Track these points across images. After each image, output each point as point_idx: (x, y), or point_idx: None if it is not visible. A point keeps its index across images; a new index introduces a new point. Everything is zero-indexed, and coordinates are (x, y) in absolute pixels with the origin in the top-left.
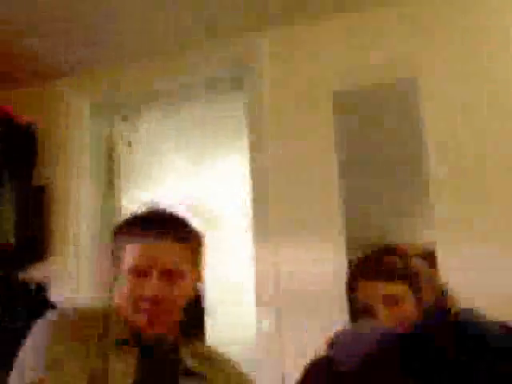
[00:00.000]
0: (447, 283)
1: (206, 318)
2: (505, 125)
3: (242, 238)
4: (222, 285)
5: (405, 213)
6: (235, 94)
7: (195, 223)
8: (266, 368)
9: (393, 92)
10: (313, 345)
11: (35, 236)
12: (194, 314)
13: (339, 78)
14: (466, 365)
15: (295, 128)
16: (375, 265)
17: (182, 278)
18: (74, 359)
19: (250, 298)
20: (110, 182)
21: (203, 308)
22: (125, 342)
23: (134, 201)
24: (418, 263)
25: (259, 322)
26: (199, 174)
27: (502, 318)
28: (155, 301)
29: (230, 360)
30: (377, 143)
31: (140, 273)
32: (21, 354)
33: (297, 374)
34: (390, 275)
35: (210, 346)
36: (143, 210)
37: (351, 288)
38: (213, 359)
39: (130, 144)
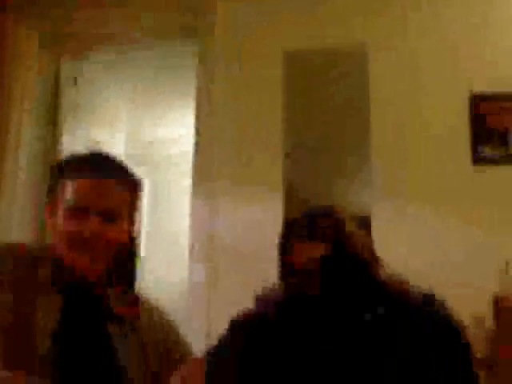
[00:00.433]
0: (378, 250)
1: (138, 266)
2: (448, 96)
3: (183, 187)
4: (158, 234)
5: (345, 177)
6: (186, 42)
7: (135, 169)
8: (194, 319)
9: (342, 55)
10: (243, 299)
11: None
12: (125, 261)
13: (290, 38)
14: (385, 328)
15: (244, 82)
16: (309, 226)
17: (119, 220)
18: None
19: (185, 248)
20: (53, 120)
21: (135, 256)
22: (53, 284)
23: (76, 141)
24: (352, 227)
25: (191, 273)
26: (143, 120)
27: (436, 286)
28: (93, 240)
29: (158, 308)
30: (324, 106)
31: (77, 211)
32: None
33: (224, 327)
34: (324, 237)
35: (139, 294)
36: (84, 151)
37: (284, 248)
38: (143, 307)
39: (75, 81)
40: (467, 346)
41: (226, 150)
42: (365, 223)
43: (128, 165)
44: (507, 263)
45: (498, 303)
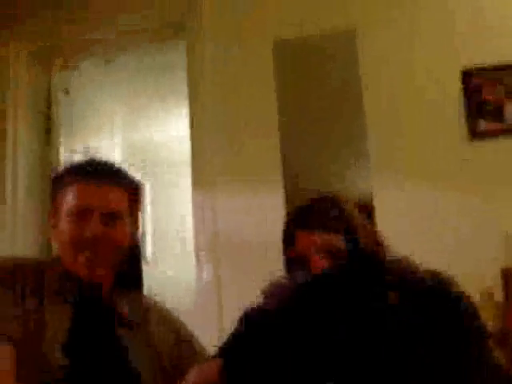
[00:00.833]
0: (382, 233)
1: (143, 268)
2: (441, 75)
3: (183, 187)
4: (163, 236)
5: (343, 164)
6: (176, 41)
7: (134, 174)
8: (204, 318)
9: (332, 41)
10: (251, 294)
11: None
12: (131, 264)
13: (280, 27)
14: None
15: (236, 76)
16: (311, 214)
17: (120, 223)
18: (7, 307)
19: (190, 248)
20: (47, 131)
21: (140, 258)
22: (61, 293)
23: (72, 150)
24: (354, 213)
25: (198, 272)
26: (138, 123)
27: (437, 268)
28: (95, 242)
29: (167, 310)
30: (317, 93)
31: (80, 214)
32: None
33: (234, 324)
34: (326, 225)
35: (147, 297)
36: (82, 159)
37: (287, 238)
38: (150, 309)
39: (67, 91)
40: (480, 322)
41: (220, 142)
42: (366, 208)
43: (126, 169)
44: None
45: (506, 276)
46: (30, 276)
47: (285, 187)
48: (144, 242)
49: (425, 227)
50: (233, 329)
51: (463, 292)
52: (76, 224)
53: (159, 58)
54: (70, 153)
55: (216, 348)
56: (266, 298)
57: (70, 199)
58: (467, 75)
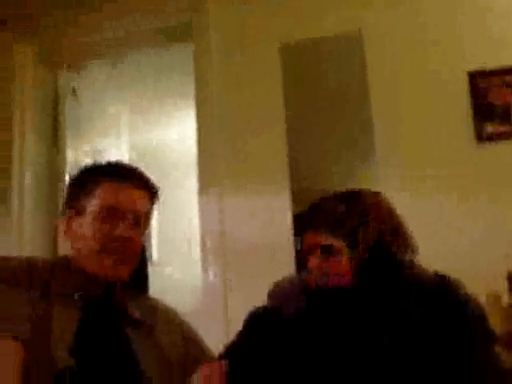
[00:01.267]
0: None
1: (150, 269)
2: (448, 78)
3: (189, 189)
4: (170, 237)
5: (350, 165)
6: (183, 43)
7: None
8: (210, 320)
9: (338, 44)
10: (258, 295)
11: None
12: (139, 265)
13: (287, 30)
14: (403, 314)
15: (242, 79)
16: (315, 215)
17: (142, 226)
18: (22, 308)
19: (197, 250)
20: (54, 133)
21: (147, 259)
22: (71, 293)
23: (80, 152)
24: (371, 207)
25: (205, 273)
26: (145, 125)
27: (444, 271)
28: (125, 244)
29: (174, 311)
30: (323, 95)
31: (110, 215)
32: None
33: (240, 326)
34: (328, 226)
35: (154, 298)
36: (100, 162)
37: (297, 239)
38: (157, 311)
39: (74, 91)
40: (487, 325)
41: (227, 144)
42: None
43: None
44: None
45: None
46: (45, 276)
47: (291, 189)
48: (150, 243)
49: (431, 230)
50: (239, 330)
51: (470, 295)
52: (106, 224)
53: (166, 60)
54: (76, 155)
55: (222, 349)
56: (270, 298)
57: (99, 199)
58: (474, 78)
